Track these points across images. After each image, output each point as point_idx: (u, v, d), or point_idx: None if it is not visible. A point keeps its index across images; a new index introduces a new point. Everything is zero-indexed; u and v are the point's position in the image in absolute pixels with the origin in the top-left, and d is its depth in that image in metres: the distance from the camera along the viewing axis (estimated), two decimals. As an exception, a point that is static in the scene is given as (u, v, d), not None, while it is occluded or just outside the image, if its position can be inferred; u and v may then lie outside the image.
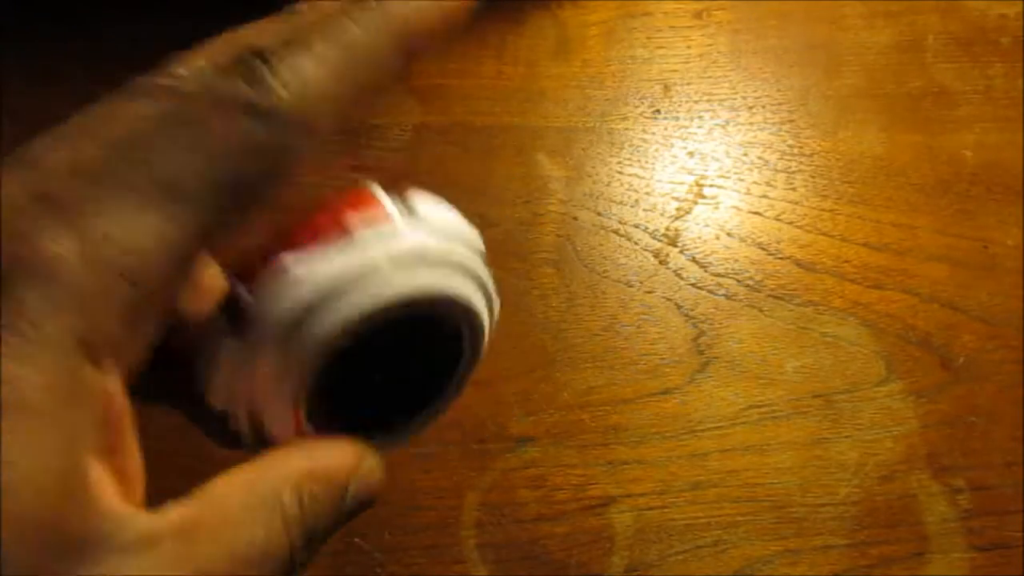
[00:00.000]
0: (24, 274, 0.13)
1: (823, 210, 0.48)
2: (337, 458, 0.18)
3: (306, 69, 0.15)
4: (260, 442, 0.18)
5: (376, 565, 0.40)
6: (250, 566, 0.15)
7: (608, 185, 0.48)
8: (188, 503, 0.15)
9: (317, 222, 0.17)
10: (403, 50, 0.16)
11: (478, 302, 0.19)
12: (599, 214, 0.47)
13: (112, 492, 0.14)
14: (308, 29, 0.16)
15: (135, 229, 0.14)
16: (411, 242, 0.17)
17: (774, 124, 0.49)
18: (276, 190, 0.15)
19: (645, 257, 0.46)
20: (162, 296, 0.15)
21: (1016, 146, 0.49)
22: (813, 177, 0.48)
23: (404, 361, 0.19)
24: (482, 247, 0.19)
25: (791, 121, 0.50)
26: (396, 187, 0.18)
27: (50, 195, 0.14)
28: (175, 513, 0.15)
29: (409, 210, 0.18)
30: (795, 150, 0.49)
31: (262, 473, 0.17)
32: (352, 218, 0.17)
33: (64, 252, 0.13)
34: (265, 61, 0.15)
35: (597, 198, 0.47)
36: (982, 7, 0.52)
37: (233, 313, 0.16)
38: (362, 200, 0.17)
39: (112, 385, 0.14)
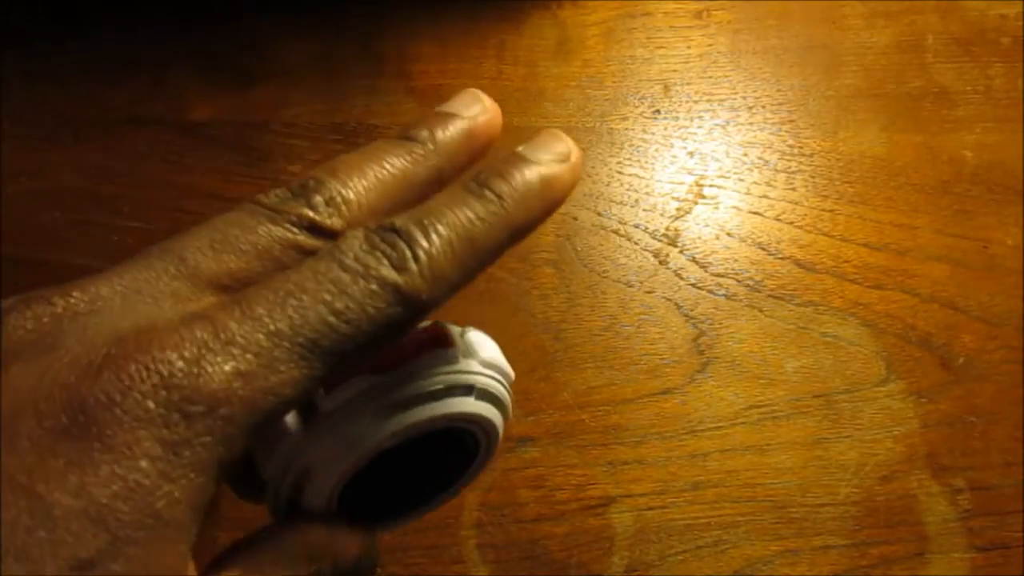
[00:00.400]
0: (194, 403, 0.15)
1: (823, 210, 0.48)
2: (348, 544, 0.19)
3: (440, 260, 0.17)
4: (289, 509, 0.20)
5: (376, 565, 0.40)
6: None
7: (608, 185, 0.48)
8: (230, 570, 0.17)
9: (396, 349, 0.19)
10: (513, 243, 0.19)
11: (499, 423, 0.22)
12: (599, 214, 0.47)
13: None
14: (438, 213, 0.18)
15: (281, 376, 0.15)
16: (465, 376, 0.20)
17: (774, 124, 0.49)
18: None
19: (645, 257, 0.46)
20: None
21: (1016, 146, 0.49)
22: (813, 177, 0.48)
23: (426, 459, 0.21)
24: (512, 376, 0.22)
25: (791, 121, 0.50)
26: (458, 323, 0.22)
27: (214, 321, 0.15)
28: None
29: (466, 345, 0.21)
30: (795, 150, 0.49)
31: (289, 540, 0.18)
32: (425, 349, 0.20)
33: (229, 389, 0.15)
34: (406, 241, 0.17)
35: (597, 198, 0.47)
36: (982, 7, 0.52)
37: (307, 409, 0.19)
38: (433, 333, 0.21)
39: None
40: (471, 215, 0.18)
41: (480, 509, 0.42)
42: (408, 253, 0.17)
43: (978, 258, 0.47)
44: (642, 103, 0.49)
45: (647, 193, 0.48)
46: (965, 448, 0.44)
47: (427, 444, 0.20)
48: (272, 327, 0.15)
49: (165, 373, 0.14)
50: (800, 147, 0.49)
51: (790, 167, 0.49)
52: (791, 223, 0.47)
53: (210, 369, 0.15)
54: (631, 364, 0.44)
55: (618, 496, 0.42)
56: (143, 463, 0.14)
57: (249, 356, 0.15)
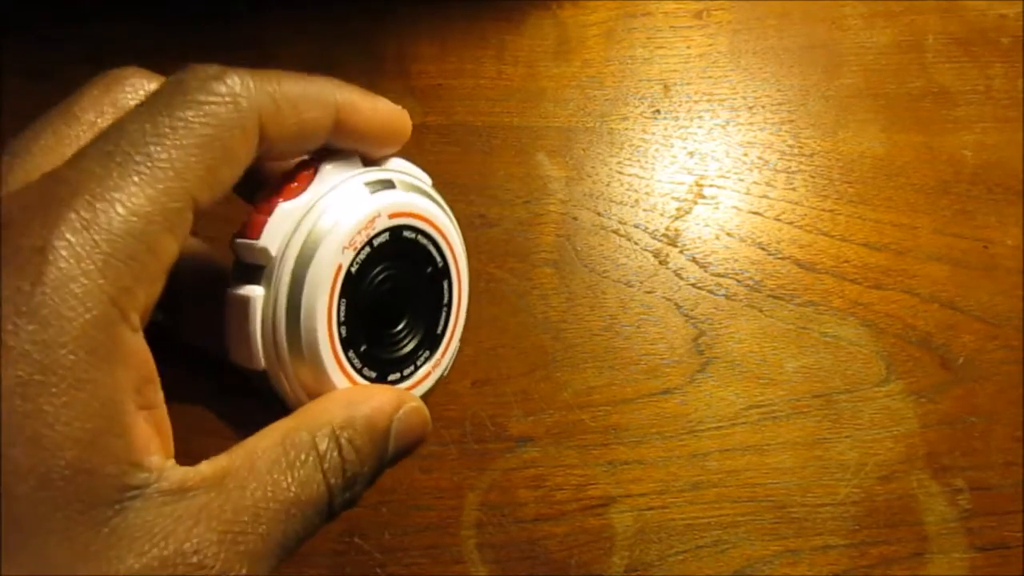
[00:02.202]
0: (55, 246, 0.14)
1: (823, 210, 0.48)
2: (377, 403, 0.18)
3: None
4: (304, 398, 0.19)
5: (376, 565, 0.40)
6: (276, 516, 0.16)
7: (608, 185, 0.48)
8: (221, 457, 0.17)
9: (298, 177, 0.19)
10: None
11: (444, 221, 0.22)
12: (599, 214, 0.47)
13: (154, 446, 0.16)
14: None
15: (142, 203, 0.15)
16: (377, 173, 0.20)
17: (774, 124, 0.49)
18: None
19: (645, 257, 0.46)
20: (165, 258, 0.16)
21: (1016, 146, 0.49)
22: (813, 177, 0.48)
23: (409, 303, 0.21)
24: (428, 178, 0.23)
25: (791, 121, 0.50)
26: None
27: (66, 179, 0.16)
28: (207, 466, 0.16)
29: (371, 159, 0.21)
30: (795, 150, 0.49)
31: (298, 424, 0.17)
32: (327, 165, 0.20)
33: (88, 223, 0.15)
34: None
35: (597, 198, 0.47)
36: (982, 7, 0.52)
37: (245, 269, 0.19)
38: (332, 153, 0.20)
39: (143, 343, 0.16)
40: None
41: (480, 509, 0.42)
42: None
43: (978, 258, 0.47)
44: (642, 103, 0.49)
45: (647, 193, 0.48)
46: (965, 448, 0.44)
47: (399, 279, 0.20)
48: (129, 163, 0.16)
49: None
50: (800, 147, 0.49)
51: (790, 167, 0.49)
52: (791, 223, 0.47)
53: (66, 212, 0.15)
54: (631, 364, 0.44)
55: (618, 496, 0.42)
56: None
57: (108, 191, 0.16)
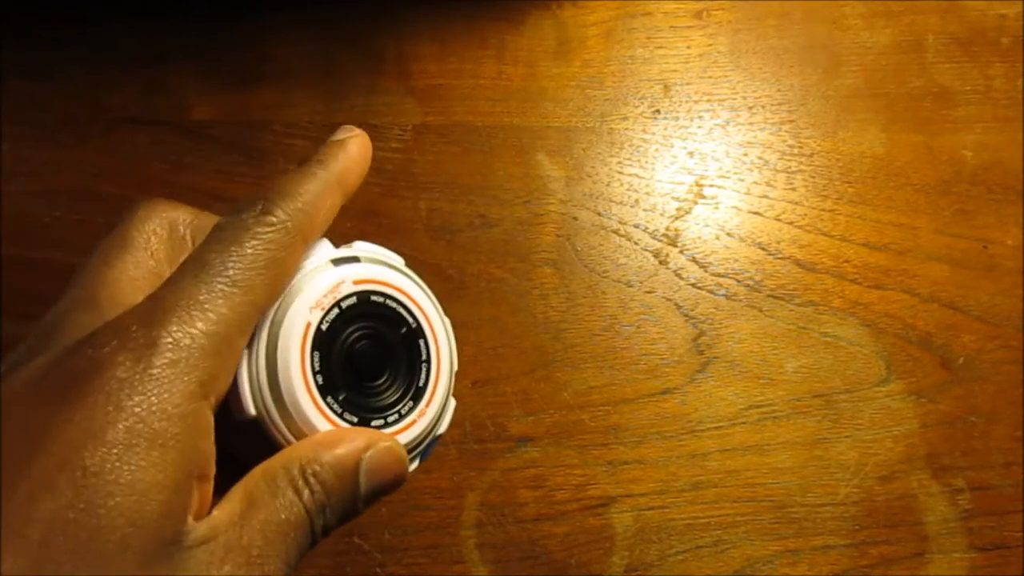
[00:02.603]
0: (162, 342, 0.19)
1: (823, 210, 0.48)
2: (347, 442, 0.22)
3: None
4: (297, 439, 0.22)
5: (376, 565, 0.40)
6: (278, 536, 0.20)
7: (608, 185, 0.48)
8: (225, 503, 0.20)
9: None
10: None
11: (414, 288, 0.25)
12: (599, 214, 0.47)
13: (194, 512, 0.19)
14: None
15: (225, 313, 0.20)
16: (343, 252, 0.24)
17: (774, 124, 0.49)
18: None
19: (645, 257, 0.46)
20: (238, 353, 0.21)
21: (1016, 146, 0.49)
22: (813, 177, 0.48)
23: (388, 358, 0.24)
24: (400, 259, 0.26)
25: (791, 121, 0.50)
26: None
27: (167, 297, 0.20)
28: (219, 512, 0.20)
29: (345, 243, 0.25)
30: (795, 150, 0.49)
31: (275, 462, 0.21)
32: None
33: (185, 327, 0.19)
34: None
35: (597, 198, 0.47)
36: (982, 7, 0.52)
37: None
38: None
39: (213, 423, 0.20)
40: None
41: (480, 509, 0.42)
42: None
43: (978, 258, 0.47)
44: (642, 103, 0.49)
45: (647, 193, 0.48)
46: (965, 448, 0.44)
47: (374, 339, 0.24)
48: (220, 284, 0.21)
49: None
50: (800, 147, 0.49)
51: (790, 167, 0.49)
52: (791, 223, 0.47)
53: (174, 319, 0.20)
54: (631, 364, 0.44)
55: (618, 496, 0.42)
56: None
57: (204, 303, 0.20)
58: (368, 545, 0.41)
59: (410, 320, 0.24)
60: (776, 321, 0.46)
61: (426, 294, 0.25)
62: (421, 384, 0.24)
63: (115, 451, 0.17)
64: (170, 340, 0.19)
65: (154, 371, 0.18)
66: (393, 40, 0.49)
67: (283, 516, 0.20)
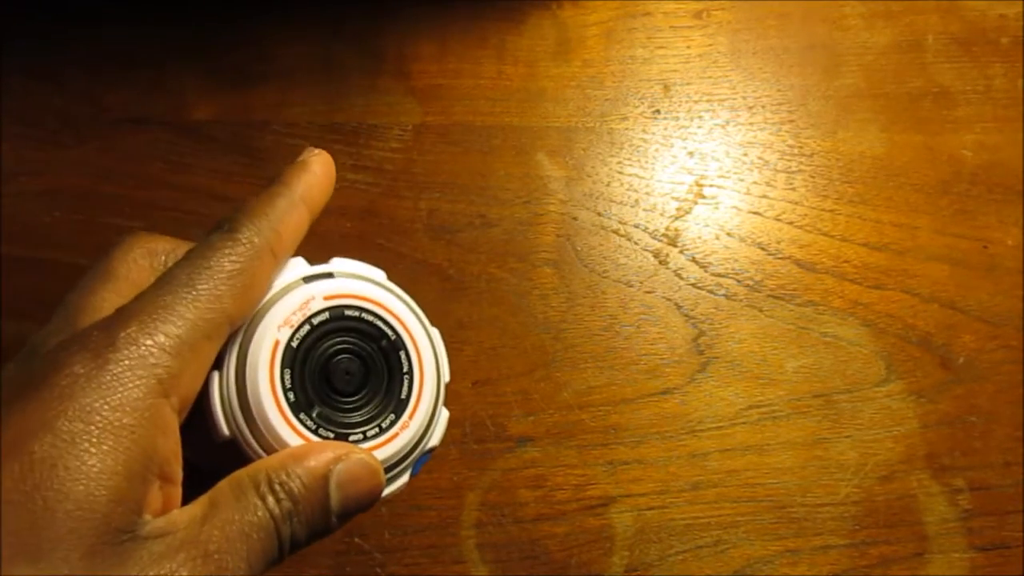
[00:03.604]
0: (120, 342, 0.19)
1: (823, 210, 0.48)
2: (316, 453, 0.22)
3: None
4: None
5: (376, 565, 0.40)
6: (239, 536, 0.20)
7: (608, 185, 0.48)
8: (189, 506, 0.20)
9: None
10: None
11: (391, 299, 0.25)
12: (599, 214, 0.47)
13: (150, 512, 0.19)
14: None
15: (189, 317, 0.20)
16: (317, 268, 0.25)
17: (774, 124, 0.49)
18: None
19: (645, 257, 0.46)
20: (203, 358, 0.21)
21: (1016, 146, 0.49)
22: (813, 177, 0.48)
23: (368, 371, 0.24)
24: (382, 272, 0.26)
25: (791, 121, 0.50)
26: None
27: (131, 307, 0.21)
28: (179, 513, 0.20)
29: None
30: (795, 150, 0.49)
31: (241, 472, 0.21)
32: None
33: (146, 329, 0.20)
34: None
35: (597, 198, 0.47)
36: (982, 7, 0.52)
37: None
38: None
39: (176, 426, 0.20)
40: None
41: (480, 509, 0.42)
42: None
43: (978, 258, 0.47)
44: (642, 103, 0.49)
45: (647, 193, 0.48)
46: (965, 448, 0.44)
47: (359, 365, 0.24)
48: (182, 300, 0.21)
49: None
50: (800, 147, 0.49)
51: (790, 167, 0.49)
52: (791, 223, 0.47)
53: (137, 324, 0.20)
54: (631, 364, 0.44)
55: (618, 496, 0.42)
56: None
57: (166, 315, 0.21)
58: (368, 545, 0.41)
59: (389, 332, 0.24)
60: (776, 321, 0.46)
61: (408, 306, 0.25)
62: (403, 396, 0.24)
63: (64, 438, 0.18)
64: (129, 339, 0.19)
65: (111, 367, 0.19)
66: (393, 40, 0.49)
67: (246, 518, 0.20)
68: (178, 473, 0.20)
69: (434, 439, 0.25)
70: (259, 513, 0.20)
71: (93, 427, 0.18)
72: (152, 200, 0.46)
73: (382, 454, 0.23)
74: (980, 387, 0.45)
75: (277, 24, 0.49)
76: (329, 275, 0.24)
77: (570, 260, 0.46)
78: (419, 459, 0.25)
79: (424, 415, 0.25)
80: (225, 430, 0.22)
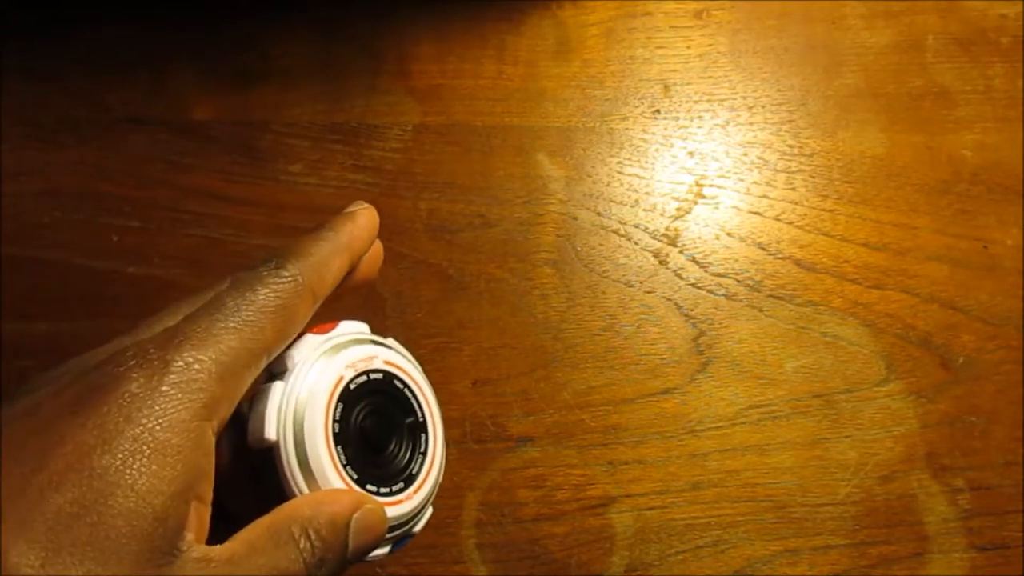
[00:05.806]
0: (173, 365, 0.21)
1: (823, 210, 0.48)
2: (339, 503, 0.23)
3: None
4: (303, 475, 0.24)
5: (376, 565, 0.40)
6: None
7: (608, 185, 0.48)
8: (227, 544, 0.21)
9: (322, 325, 0.26)
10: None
11: (423, 380, 0.27)
12: (599, 214, 0.47)
13: (191, 531, 0.20)
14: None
15: (233, 347, 0.22)
16: (381, 338, 0.27)
17: (774, 124, 0.49)
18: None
19: (645, 257, 0.46)
20: (243, 385, 0.22)
21: (1016, 146, 0.49)
22: (813, 177, 0.48)
23: (392, 440, 0.26)
24: (403, 349, 0.28)
25: (791, 121, 0.50)
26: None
27: (182, 329, 0.22)
28: (219, 549, 0.21)
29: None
30: (795, 150, 0.49)
31: (277, 518, 0.23)
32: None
33: (196, 354, 0.21)
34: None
35: (597, 198, 0.47)
36: (982, 7, 0.52)
37: (271, 374, 0.24)
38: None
39: (213, 448, 0.21)
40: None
41: (480, 509, 0.42)
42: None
43: (978, 258, 0.47)
44: (642, 103, 0.49)
45: (647, 193, 0.48)
46: (965, 448, 0.44)
47: (382, 416, 0.26)
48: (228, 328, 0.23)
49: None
50: (800, 147, 0.49)
51: (790, 167, 0.49)
52: (791, 223, 0.47)
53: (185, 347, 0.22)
54: (631, 364, 0.44)
55: (618, 496, 0.42)
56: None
57: (217, 338, 0.22)
58: (368, 545, 0.41)
59: (418, 412, 0.27)
60: (776, 321, 0.46)
61: (427, 383, 0.28)
62: (414, 472, 0.26)
63: (120, 456, 0.19)
64: (181, 363, 0.21)
65: (164, 388, 0.20)
66: (393, 40, 0.49)
67: (281, 564, 0.21)
68: (210, 494, 0.21)
69: (419, 525, 0.27)
70: (292, 557, 0.22)
71: (146, 447, 0.19)
72: (152, 200, 0.46)
73: (388, 513, 0.25)
74: (980, 387, 0.45)
75: (277, 24, 0.49)
76: (388, 345, 0.27)
77: (570, 260, 0.46)
78: (403, 537, 0.26)
79: (423, 498, 0.26)
80: (273, 434, 0.23)
